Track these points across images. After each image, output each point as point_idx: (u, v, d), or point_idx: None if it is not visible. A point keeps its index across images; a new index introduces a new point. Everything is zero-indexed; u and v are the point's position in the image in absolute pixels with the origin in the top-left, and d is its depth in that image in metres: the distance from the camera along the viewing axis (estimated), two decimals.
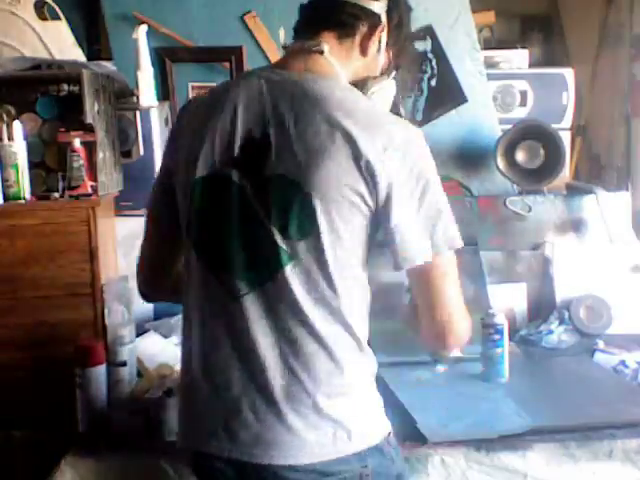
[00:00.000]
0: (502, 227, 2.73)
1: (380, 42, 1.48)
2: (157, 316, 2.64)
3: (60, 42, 2.71)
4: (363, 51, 1.47)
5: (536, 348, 2.44)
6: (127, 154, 2.58)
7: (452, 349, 1.55)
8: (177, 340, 2.44)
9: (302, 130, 1.34)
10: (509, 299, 2.60)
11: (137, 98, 2.54)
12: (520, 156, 2.82)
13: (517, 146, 2.81)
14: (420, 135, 1.40)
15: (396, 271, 1.41)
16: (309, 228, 1.34)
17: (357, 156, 1.32)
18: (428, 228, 1.38)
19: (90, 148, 2.34)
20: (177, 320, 2.54)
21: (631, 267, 2.64)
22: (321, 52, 1.43)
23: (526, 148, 2.82)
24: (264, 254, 1.37)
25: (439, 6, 2.85)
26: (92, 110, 2.33)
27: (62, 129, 2.37)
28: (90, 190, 2.32)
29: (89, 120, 2.30)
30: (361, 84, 1.49)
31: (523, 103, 3.06)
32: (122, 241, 2.62)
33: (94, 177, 2.35)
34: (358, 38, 1.46)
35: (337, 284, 1.36)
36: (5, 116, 2.38)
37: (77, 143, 2.30)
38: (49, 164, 2.44)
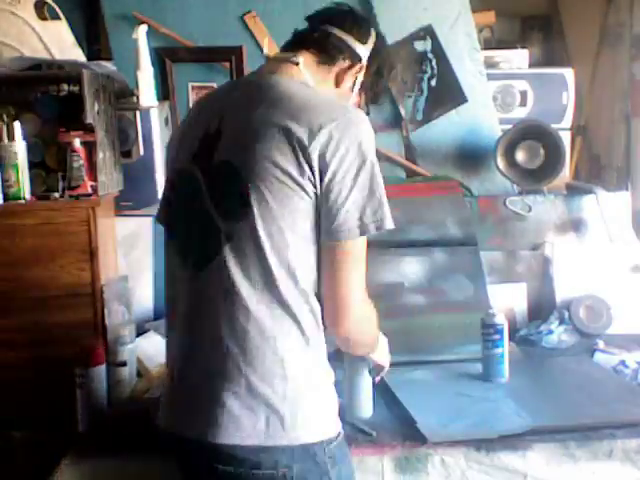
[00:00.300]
0: (502, 227, 2.73)
1: (355, 81, 1.60)
2: (157, 316, 2.64)
3: (60, 42, 2.71)
4: (337, 82, 1.59)
5: (536, 348, 2.44)
6: (127, 154, 2.58)
7: (346, 332, 1.48)
8: None
9: (246, 118, 1.43)
10: (509, 299, 2.61)
11: (137, 98, 2.54)
12: (520, 156, 2.82)
13: (517, 146, 2.81)
14: (361, 119, 1.46)
15: (323, 243, 1.43)
16: (244, 210, 1.39)
17: (289, 138, 1.38)
18: (358, 208, 1.40)
19: (90, 148, 2.34)
20: None
21: (631, 267, 2.64)
22: (296, 63, 1.53)
23: (526, 148, 2.82)
24: (209, 237, 1.43)
25: (439, 6, 2.85)
26: (92, 110, 2.33)
27: (62, 129, 2.38)
28: (90, 190, 2.32)
29: (89, 120, 2.31)
30: None
31: (523, 103, 3.06)
32: (122, 241, 2.62)
33: (94, 177, 2.35)
34: (336, 69, 1.58)
35: (274, 267, 1.40)
36: (5, 116, 2.38)
37: (77, 143, 2.30)
38: (49, 164, 2.44)
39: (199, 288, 1.46)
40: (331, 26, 1.58)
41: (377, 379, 1.95)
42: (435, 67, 2.85)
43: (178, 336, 1.52)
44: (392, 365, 2.15)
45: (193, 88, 2.84)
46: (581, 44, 3.50)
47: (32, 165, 2.36)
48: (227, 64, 2.69)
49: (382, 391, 2.01)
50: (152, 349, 2.33)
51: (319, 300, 1.46)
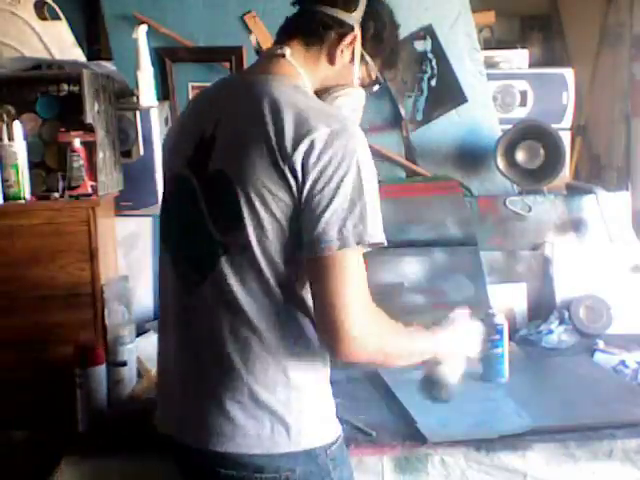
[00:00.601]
0: (502, 227, 2.73)
1: (353, 52, 1.51)
2: (157, 316, 2.63)
3: (60, 42, 2.71)
4: (330, 59, 1.50)
5: (536, 348, 2.44)
6: (127, 154, 2.58)
7: (345, 357, 1.36)
8: None
9: (238, 127, 1.40)
10: (509, 299, 2.61)
11: (137, 98, 2.54)
12: (520, 156, 2.82)
13: (517, 146, 2.81)
14: (351, 129, 1.38)
15: (305, 257, 1.36)
16: (236, 221, 1.37)
17: (274, 149, 1.34)
18: (338, 221, 1.32)
19: (90, 148, 2.34)
20: None
21: (631, 267, 2.64)
22: (283, 55, 1.48)
23: (526, 148, 2.82)
24: (205, 248, 1.41)
25: (439, 6, 2.85)
26: (92, 110, 2.33)
27: (62, 129, 2.38)
28: (90, 190, 2.32)
29: (89, 120, 2.31)
30: (324, 89, 1.53)
31: (523, 103, 3.05)
32: (122, 241, 2.62)
33: (94, 177, 2.35)
34: (326, 46, 1.50)
35: (270, 278, 1.38)
36: (5, 116, 2.39)
37: (77, 143, 2.30)
38: (49, 164, 2.44)
39: (196, 299, 1.44)
40: (316, 4, 1.51)
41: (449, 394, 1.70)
42: (435, 67, 2.85)
43: (175, 344, 1.50)
44: None
45: (193, 88, 2.83)
46: (581, 44, 3.50)
47: (32, 165, 2.36)
48: (227, 64, 2.69)
49: (382, 391, 2.01)
50: (152, 349, 2.31)
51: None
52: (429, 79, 2.86)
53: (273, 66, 1.48)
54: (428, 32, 2.84)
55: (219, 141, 1.42)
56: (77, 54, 2.74)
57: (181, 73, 2.77)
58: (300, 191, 1.34)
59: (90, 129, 2.33)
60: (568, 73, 3.09)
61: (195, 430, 1.43)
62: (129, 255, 2.63)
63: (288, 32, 1.53)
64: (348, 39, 1.49)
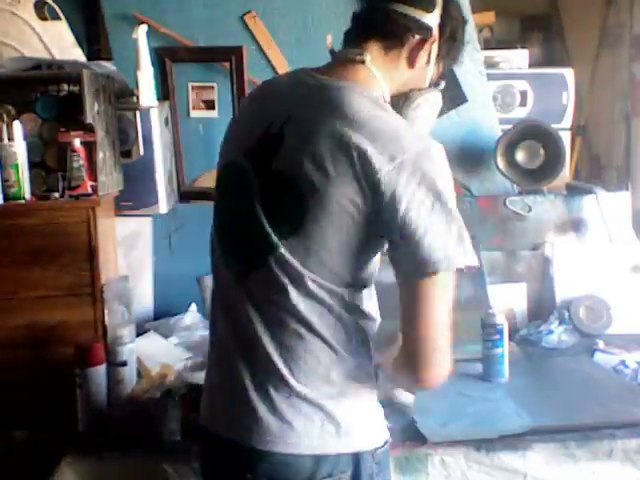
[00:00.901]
0: (502, 227, 2.73)
1: (430, 54, 1.46)
2: (157, 316, 2.64)
3: (60, 42, 2.70)
4: (411, 63, 1.45)
5: (536, 348, 2.44)
6: (127, 154, 2.58)
7: (428, 382, 1.37)
8: (177, 340, 2.45)
9: (313, 134, 1.34)
10: (509, 299, 2.61)
11: (137, 98, 2.54)
12: (520, 156, 2.82)
13: (517, 146, 2.81)
14: (436, 149, 1.35)
15: (402, 281, 1.36)
16: (297, 226, 1.35)
17: (360, 167, 1.30)
18: (441, 243, 1.31)
19: (90, 148, 2.34)
20: (177, 320, 2.54)
21: (631, 267, 2.64)
22: (362, 61, 1.41)
23: (526, 148, 2.82)
24: (257, 243, 1.39)
25: None
26: (92, 110, 2.33)
27: (62, 129, 2.37)
28: (90, 190, 2.32)
29: (89, 120, 2.30)
30: (405, 96, 1.48)
31: (523, 103, 3.06)
32: (122, 241, 2.62)
33: (94, 177, 2.35)
34: (406, 49, 1.43)
35: (323, 283, 1.36)
36: (5, 116, 2.38)
37: (77, 143, 2.30)
38: (49, 164, 2.44)
39: (245, 292, 1.41)
40: (391, 2, 1.41)
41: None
42: None
43: (222, 339, 1.48)
44: None
45: (193, 88, 2.83)
46: (581, 44, 3.51)
47: (32, 165, 2.36)
48: (227, 64, 2.69)
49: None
50: (152, 349, 2.32)
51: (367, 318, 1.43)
52: None
53: (351, 73, 1.42)
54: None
55: (288, 142, 1.37)
56: (77, 54, 2.74)
57: (181, 73, 2.76)
58: (392, 217, 1.30)
59: (90, 129, 2.32)
60: (568, 73, 3.10)
61: (240, 427, 1.40)
62: (129, 255, 2.63)
63: (362, 33, 1.44)
64: (429, 42, 1.43)
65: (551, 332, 2.49)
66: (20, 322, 2.25)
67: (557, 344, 2.45)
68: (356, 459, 1.39)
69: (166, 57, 2.71)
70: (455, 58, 1.55)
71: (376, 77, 1.42)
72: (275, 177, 1.37)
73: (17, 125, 2.30)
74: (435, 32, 1.43)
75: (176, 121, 2.75)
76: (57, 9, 2.74)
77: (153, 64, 2.57)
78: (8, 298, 2.25)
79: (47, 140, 2.44)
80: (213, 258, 1.52)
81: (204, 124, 2.87)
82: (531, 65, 3.23)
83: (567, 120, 3.09)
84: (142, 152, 2.58)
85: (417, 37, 1.42)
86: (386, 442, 1.46)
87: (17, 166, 2.27)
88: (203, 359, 2.14)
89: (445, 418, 1.90)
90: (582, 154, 3.41)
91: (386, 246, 1.39)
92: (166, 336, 2.46)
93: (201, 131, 2.87)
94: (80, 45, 2.82)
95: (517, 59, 3.20)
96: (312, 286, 1.36)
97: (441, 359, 1.34)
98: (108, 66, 2.64)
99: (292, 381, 1.37)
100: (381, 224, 1.32)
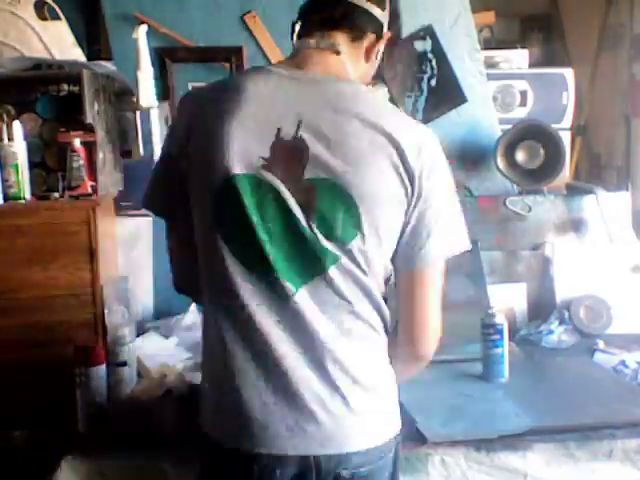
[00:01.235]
0: (502, 227, 2.73)
1: (379, 51, 1.51)
2: (157, 316, 2.64)
3: (60, 42, 2.70)
4: (367, 57, 1.48)
5: (536, 348, 2.44)
6: (127, 154, 2.58)
7: (426, 352, 1.52)
8: (177, 340, 2.45)
9: (341, 134, 1.35)
10: (509, 299, 2.61)
11: (137, 98, 2.54)
12: (520, 156, 2.82)
13: (517, 146, 2.81)
14: (435, 139, 1.45)
15: (403, 269, 1.44)
16: (354, 231, 1.36)
17: (397, 159, 1.35)
18: (447, 230, 1.41)
19: (90, 148, 2.34)
20: (177, 320, 2.54)
21: (631, 267, 2.64)
22: (338, 53, 1.43)
23: (526, 148, 2.82)
24: (309, 256, 1.38)
25: (439, 6, 2.85)
26: (92, 110, 2.33)
27: (62, 129, 2.37)
28: (90, 190, 2.32)
29: (89, 120, 2.30)
30: None
31: (523, 103, 3.06)
32: (122, 241, 2.62)
33: (94, 177, 2.35)
34: (365, 44, 1.47)
35: (378, 281, 1.42)
36: (5, 116, 2.38)
37: (77, 143, 2.30)
38: (49, 164, 2.44)
39: (301, 304, 1.38)
40: None
41: None
42: (435, 67, 2.85)
43: (277, 353, 1.40)
44: None
45: (193, 88, 2.83)
46: (581, 44, 3.50)
47: (32, 165, 2.36)
48: (227, 64, 2.69)
49: None
50: (152, 349, 2.33)
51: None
52: (429, 79, 2.86)
53: (329, 65, 1.43)
54: (428, 32, 2.83)
55: (314, 146, 1.35)
56: (77, 54, 2.74)
57: (181, 73, 2.76)
58: (416, 204, 1.38)
59: (90, 129, 2.32)
60: (568, 73, 3.10)
61: (322, 437, 1.38)
62: (129, 255, 2.63)
63: (329, 24, 1.44)
64: (383, 39, 1.49)
65: (551, 332, 2.49)
66: (20, 322, 2.25)
67: (557, 344, 2.45)
68: (392, 442, 1.46)
69: (166, 57, 2.72)
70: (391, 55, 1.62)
71: (348, 69, 1.45)
72: (314, 185, 1.36)
73: (17, 125, 2.30)
74: (385, 30, 1.50)
75: None
76: (57, 9, 2.74)
77: (153, 64, 2.58)
78: (8, 298, 2.25)
79: (47, 140, 2.44)
80: (224, 282, 1.41)
81: None
82: (531, 65, 3.23)
83: (567, 120, 3.09)
84: (142, 152, 2.58)
85: (374, 33, 1.47)
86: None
87: (17, 166, 2.27)
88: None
89: (445, 418, 1.89)
90: (582, 154, 3.40)
91: None
92: (166, 336, 2.46)
93: None
94: (80, 45, 2.82)
95: (517, 59, 3.20)
96: (368, 287, 1.40)
97: (436, 337, 1.51)
98: (108, 66, 2.64)
99: (364, 378, 1.41)
100: (410, 212, 1.39)
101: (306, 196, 1.36)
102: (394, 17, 1.60)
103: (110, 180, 2.45)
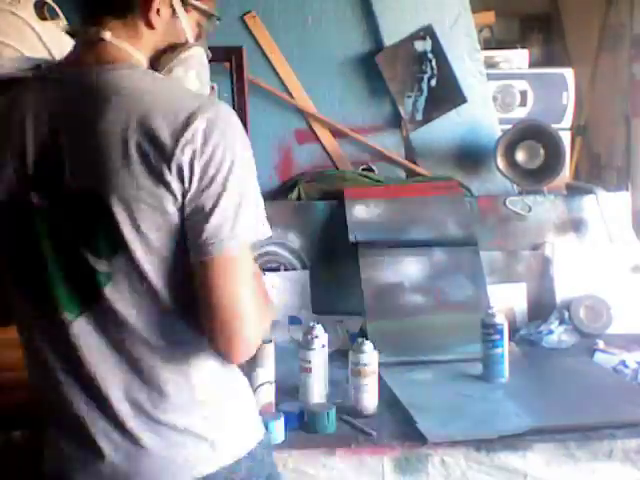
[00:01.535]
0: (502, 227, 2.73)
1: (172, 6, 1.33)
2: None
3: (60, 42, 2.70)
4: (148, 24, 1.31)
5: (536, 348, 2.44)
6: None
7: (237, 360, 1.28)
8: None
9: (94, 134, 1.21)
10: (509, 299, 2.60)
11: None
12: (520, 156, 2.82)
13: (517, 146, 2.81)
14: (226, 113, 1.25)
15: (192, 262, 1.24)
16: (117, 242, 1.23)
17: (149, 149, 1.19)
18: (230, 218, 1.21)
19: None
20: None
21: (631, 267, 2.64)
22: (102, 39, 1.29)
23: (526, 148, 2.82)
24: (82, 277, 1.26)
25: (439, 6, 2.85)
26: None
27: None
28: None
29: None
30: (156, 64, 1.36)
31: (523, 103, 3.06)
32: None
33: None
34: (138, 12, 1.30)
35: (163, 295, 1.26)
36: None
37: None
38: None
39: (77, 335, 1.28)
40: None
41: None
42: (435, 67, 2.85)
43: (61, 388, 1.34)
44: (392, 365, 2.15)
45: None
46: (581, 44, 3.50)
47: None
48: (227, 64, 2.69)
49: (382, 391, 2.01)
50: None
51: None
52: (429, 79, 2.86)
53: (103, 54, 1.29)
54: (428, 32, 2.84)
55: (71, 154, 1.24)
56: None
57: None
58: (186, 192, 1.21)
59: None
60: (568, 73, 3.10)
61: (112, 476, 1.30)
62: None
63: (95, 10, 1.32)
64: None
65: (551, 332, 2.48)
66: None
67: (557, 344, 2.45)
68: (247, 456, 1.34)
69: None
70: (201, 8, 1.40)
71: (127, 51, 1.30)
72: (74, 197, 1.24)
73: None
74: None
75: None
76: (57, 9, 2.74)
77: None
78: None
79: None
80: (14, 307, 1.38)
81: None
82: (531, 65, 3.24)
83: (567, 120, 3.09)
84: None
85: None
86: (260, 441, 1.39)
87: None
88: None
89: (445, 418, 1.89)
90: (582, 154, 3.40)
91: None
92: None
93: None
94: None
95: (517, 59, 3.21)
96: (151, 303, 1.26)
97: (251, 347, 1.27)
98: None
99: (162, 415, 1.29)
100: (186, 204, 1.22)
101: (69, 211, 1.25)
102: None
103: None
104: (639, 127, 3.12)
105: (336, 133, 2.89)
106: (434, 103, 2.87)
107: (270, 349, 1.91)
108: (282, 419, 1.81)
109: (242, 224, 1.23)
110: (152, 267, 1.24)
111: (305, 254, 2.66)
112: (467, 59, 2.87)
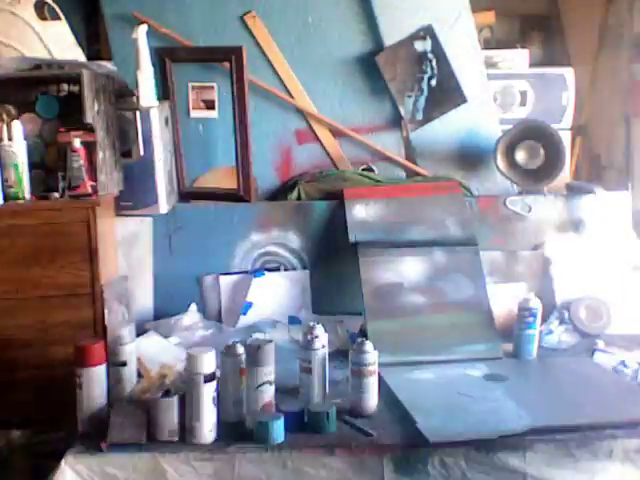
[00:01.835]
0: (502, 227, 2.73)
1: None
2: (157, 316, 2.64)
3: (60, 42, 2.70)
4: None
5: None
6: (127, 154, 2.58)
7: None
8: (177, 340, 2.45)
9: None
10: (509, 299, 2.60)
11: (137, 98, 2.54)
12: (520, 156, 2.82)
13: (517, 146, 2.81)
14: None
15: None
16: None
17: None
18: None
19: (90, 148, 2.34)
20: (177, 320, 2.54)
21: (631, 267, 2.64)
22: None
23: (526, 148, 2.82)
24: None
25: (439, 6, 2.85)
26: (92, 110, 2.33)
27: (62, 129, 2.38)
28: (90, 190, 2.32)
29: (89, 120, 2.30)
30: None
31: (523, 103, 3.06)
32: (122, 241, 2.62)
33: (94, 177, 2.35)
34: None
35: None
36: (5, 116, 2.38)
37: (77, 143, 2.30)
38: (49, 164, 2.44)
39: None
40: None
41: None
42: (435, 67, 2.85)
43: None
44: (392, 365, 2.15)
45: (193, 88, 2.84)
46: (581, 44, 3.50)
47: (32, 165, 2.36)
48: (227, 64, 2.69)
49: (382, 391, 2.01)
50: (152, 349, 2.33)
51: None
52: (429, 79, 2.86)
53: None
54: (428, 32, 2.84)
55: None
56: (77, 54, 2.73)
57: (181, 73, 2.77)
58: None
59: (90, 129, 2.32)
60: (568, 73, 3.10)
61: None
62: (129, 255, 2.63)
63: None
64: None
65: (551, 332, 2.49)
66: (20, 322, 2.25)
67: (557, 344, 2.45)
68: None
69: (166, 57, 2.72)
70: None
71: None
72: None
73: (17, 125, 2.30)
74: None
75: (176, 121, 2.75)
76: (57, 9, 2.74)
77: (153, 64, 2.58)
78: (8, 298, 2.25)
79: (47, 140, 2.44)
80: None
81: (204, 124, 2.88)
82: (531, 65, 3.24)
83: (567, 120, 3.09)
84: (142, 152, 2.58)
85: None
86: None
87: (17, 166, 2.27)
88: None
89: (445, 418, 1.90)
90: (582, 154, 3.40)
91: None
92: (166, 336, 2.46)
93: (201, 131, 2.88)
94: (80, 45, 2.82)
95: (517, 59, 3.21)
96: None
97: None
98: (108, 66, 2.64)
99: None
100: None
101: None
102: None
103: (110, 180, 2.45)
104: (639, 127, 3.12)
105: (336, 133, 2.89)
106: (434, 103, 2.87)
107: (270, 349, 1.91)
108: (282, 419, 1.81)
109: None
110: None
111: (305, 254, 2.67)
112: (467, 59, 2.87)
